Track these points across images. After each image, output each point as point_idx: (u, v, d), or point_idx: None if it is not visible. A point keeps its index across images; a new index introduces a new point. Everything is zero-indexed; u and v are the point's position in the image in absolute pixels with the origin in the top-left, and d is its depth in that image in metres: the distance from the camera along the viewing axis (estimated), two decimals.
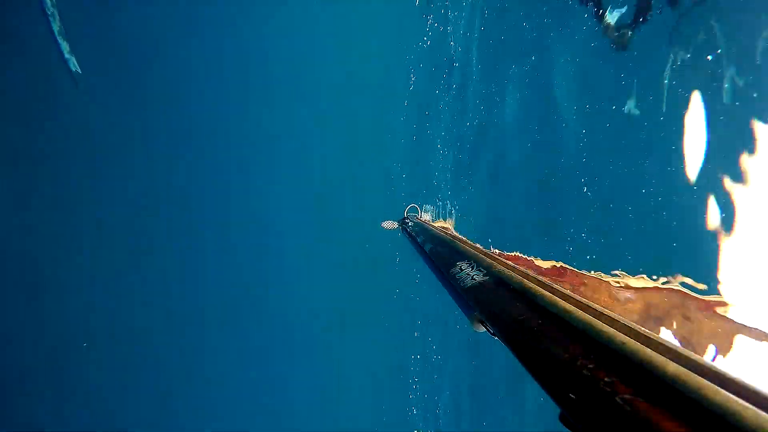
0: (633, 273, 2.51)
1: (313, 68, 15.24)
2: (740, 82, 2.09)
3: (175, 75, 14.17)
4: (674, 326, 2.38)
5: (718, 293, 2.11)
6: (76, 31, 11.28)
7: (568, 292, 0.99)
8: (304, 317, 18.38)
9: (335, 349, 18.45)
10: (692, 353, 0.64)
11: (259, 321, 17.91)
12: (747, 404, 0.49)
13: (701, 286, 2.16)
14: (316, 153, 17.17)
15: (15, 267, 12.98)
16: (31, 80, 11.48)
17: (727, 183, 2.04)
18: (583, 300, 0.93)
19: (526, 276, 1.17)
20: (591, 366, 0.68)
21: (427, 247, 2.28)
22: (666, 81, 2.51)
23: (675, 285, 2.29)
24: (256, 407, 18.01)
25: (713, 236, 2.15)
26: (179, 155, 15.05)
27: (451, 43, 7.27)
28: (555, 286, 1.05)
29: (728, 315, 1.97)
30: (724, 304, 2.01)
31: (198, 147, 15.70)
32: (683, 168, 2.35)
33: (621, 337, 0.71)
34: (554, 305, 0.91)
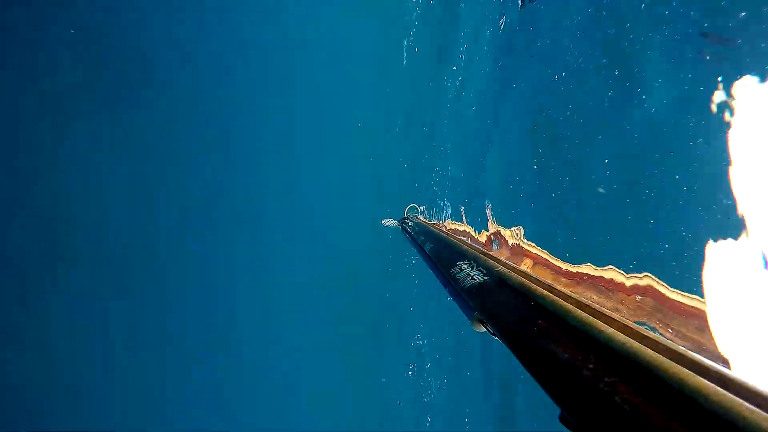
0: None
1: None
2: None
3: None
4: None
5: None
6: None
7: (568, 292, 0.99)
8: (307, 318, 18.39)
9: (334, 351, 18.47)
10: (692, 353, 0.64)
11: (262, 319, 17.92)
12: (747, 404, 0.49)
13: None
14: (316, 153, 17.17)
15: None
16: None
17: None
18: (583, 300, 0.93)
19: (526, 276, 1.17)
20: (591, 366, 0.68)
21: (427, 247, 2.28)
22: None
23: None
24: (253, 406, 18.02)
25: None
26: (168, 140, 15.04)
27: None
28: (555, 286, 1.05)
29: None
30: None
31: (196, 142, 15.70)
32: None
33: (621, 337, 0.71)
34: (554, 305, 0.91)
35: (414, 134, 10.41)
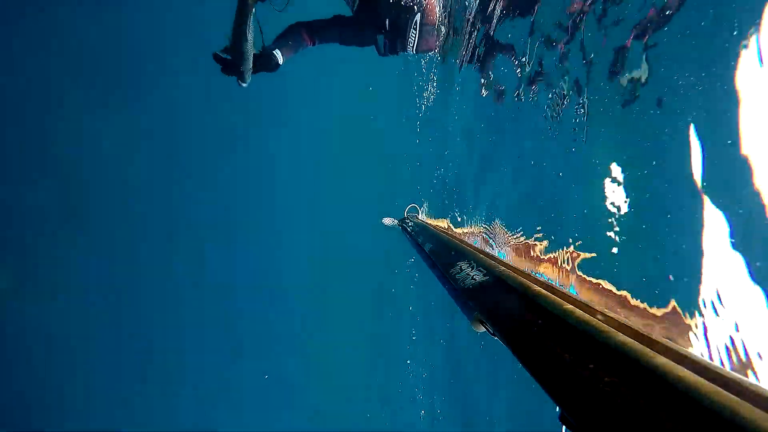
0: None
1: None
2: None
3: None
4: None
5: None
6: None
7: (568, 292, 0.99)
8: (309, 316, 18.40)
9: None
10: (693, 353, 0.64)
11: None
12: (748, 404, 0.49)
13: None
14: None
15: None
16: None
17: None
18: (584, 300, 0.93)
19: (526, 276, 1.17)
20: (591, 366, 0.68)
21: (427, 247, 2.28)
22: None
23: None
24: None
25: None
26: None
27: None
28: (555, 286, 1.05)
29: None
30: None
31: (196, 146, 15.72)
32: None
33: (621, 337, 0.71)
34: (554, 305, 0.91)
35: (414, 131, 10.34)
